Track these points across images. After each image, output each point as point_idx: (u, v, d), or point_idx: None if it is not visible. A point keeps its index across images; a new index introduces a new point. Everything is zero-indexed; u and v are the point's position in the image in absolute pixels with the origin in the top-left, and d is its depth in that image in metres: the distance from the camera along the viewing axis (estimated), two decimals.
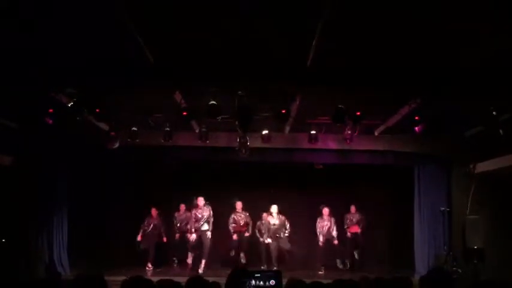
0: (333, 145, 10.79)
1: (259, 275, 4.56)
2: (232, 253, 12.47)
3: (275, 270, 5.01)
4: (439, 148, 10.82)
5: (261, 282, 4.50)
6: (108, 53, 6.79)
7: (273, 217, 12.23)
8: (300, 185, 13.45)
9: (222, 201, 12.92)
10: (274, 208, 12.25)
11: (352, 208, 13.00)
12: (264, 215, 12.46)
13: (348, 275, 9.88)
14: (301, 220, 12.84)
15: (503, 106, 8.02)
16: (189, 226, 12.07)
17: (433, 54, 6.68)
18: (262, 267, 11.87)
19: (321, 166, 12.65)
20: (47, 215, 10.78)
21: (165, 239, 12.64)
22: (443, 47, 6.45)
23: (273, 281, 4.53)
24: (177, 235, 12.59)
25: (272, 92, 8.03)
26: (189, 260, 11.94)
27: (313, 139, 10.16)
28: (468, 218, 10.39)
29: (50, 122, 8.58)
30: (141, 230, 12.41)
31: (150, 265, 12.26)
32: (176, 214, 12.84)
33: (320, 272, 11.97)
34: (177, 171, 12.85)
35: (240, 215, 12.53)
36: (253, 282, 4.45)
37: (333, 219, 12.52)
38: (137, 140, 9.93)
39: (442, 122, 9.47)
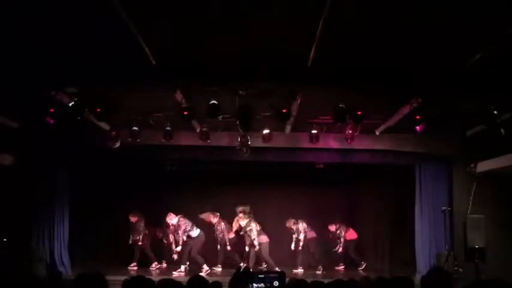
0: (334, 144, 10.78)
1: (262, 276, 4.57)
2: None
3: (279, 272, 5.01)
4: (440, 147, 10.81)
5: (264, 284, 4.49)
6: (109, 52, 6.80)
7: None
8: (301, 184, 13.46)
9: (222, 201, 12.96)
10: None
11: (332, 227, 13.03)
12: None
13: (349, 275, 9.90)
14: (301, 219, 12.79)
15: (504, 105, 8.02)
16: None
17: (433, 54, 6.68)
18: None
19: (322, 165, 12.65)
20: (48, 215, 10.77)
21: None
22: (443, 47, 6.44)
23: (277, 282, 4.53)
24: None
25: (273, 91, 8.03)
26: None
27: (314, 138, 10.15)
28: (469, 218, 10.37)
29: (51, 121, 8.58)
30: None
31: (153, 265, 12.43)
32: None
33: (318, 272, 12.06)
34: (177, 170, 12.84)
35: None
36: (256, 283, 4.45)
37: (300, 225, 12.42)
38: (138, 140, 9.93)
39: (443, 121, 9.48)
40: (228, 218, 12.51)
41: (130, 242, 12.55)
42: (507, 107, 8.11)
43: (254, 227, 11.74)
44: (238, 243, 12.41)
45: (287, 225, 12.42)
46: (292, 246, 12.31)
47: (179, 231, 11.77)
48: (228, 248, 12.27)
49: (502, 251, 10.17)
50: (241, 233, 12.06)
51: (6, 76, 7.20)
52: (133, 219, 12.49)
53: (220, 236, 12.31)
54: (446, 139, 10.62)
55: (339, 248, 12.92)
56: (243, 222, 11.88)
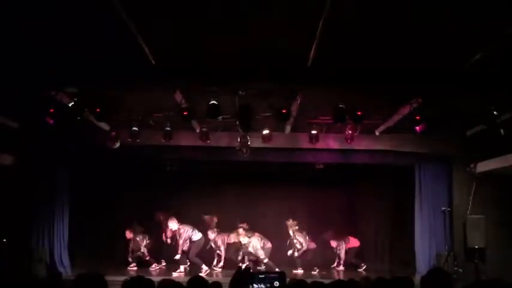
0: (333, 145, 10.78)
1: (263, 276, 4.56)
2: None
3: (279, 272, 5.00)
4: (440, 147, 10.82)
5: (265, 284, 4.49)
6: (109, 52, 6.80)
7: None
8: (301, 185, 13.45)
9: (222, 201, 12.95)
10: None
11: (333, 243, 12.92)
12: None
13: (349, 275, 9.90)
14: (301, 219, 12.80)
15: (504, 105, 8.02)
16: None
17: (433, 54, 6.67)
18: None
19: (322, 166, 12.64)
20: (48, 215, 10.78)
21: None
22: (443, 47, 6.44)
23: (277, 283, 4.52)
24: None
25: (273, 91, 8.03)
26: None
27: (313, 139, 10.15)
28: (469, 218, 10.38)
29: (51, 121, 8.58)
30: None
31: (154, 265, 12.41)
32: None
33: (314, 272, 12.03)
34: (177, 170, 12.83)
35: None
36: (256, 284, 4.45)
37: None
38: (138, 140, 9.93)
39: (443, 121, 9.48)
40: (228, 218, 12.49)
41: (130, 259, 12.41)
42: (507, 107, 8.12)
43: (253, 243, 11.67)
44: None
45: (286, 222, 12.34)
46: (289, 253, 12.20)
47: (179, 241, 11.70)
48: (221, 264, 12.24)
49: (502, 251, 10.17)
50: (242, 252, 11.90)
51: (6, 76, 7.20)
52: (129, 236, 12.41)
53: (217, 249, 12.31)
54: (446, 139, 10.63)
55: (338, 265, 12.78)
56: (244, 240, 11.76)
